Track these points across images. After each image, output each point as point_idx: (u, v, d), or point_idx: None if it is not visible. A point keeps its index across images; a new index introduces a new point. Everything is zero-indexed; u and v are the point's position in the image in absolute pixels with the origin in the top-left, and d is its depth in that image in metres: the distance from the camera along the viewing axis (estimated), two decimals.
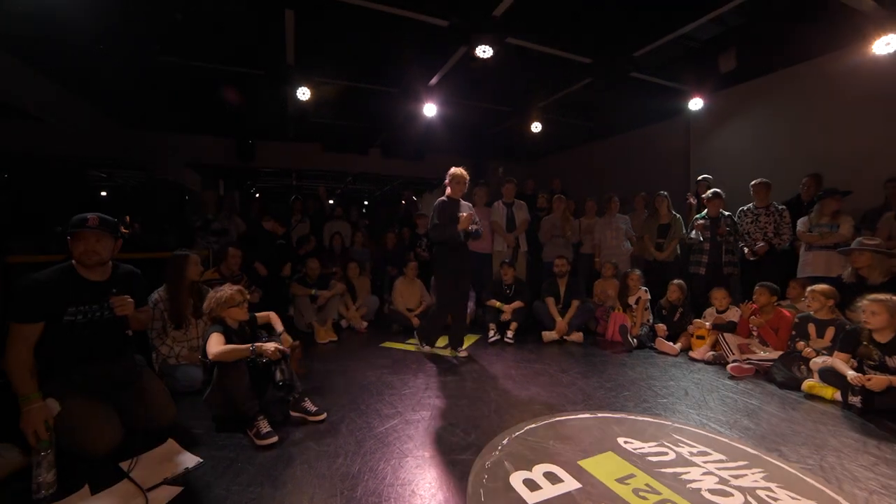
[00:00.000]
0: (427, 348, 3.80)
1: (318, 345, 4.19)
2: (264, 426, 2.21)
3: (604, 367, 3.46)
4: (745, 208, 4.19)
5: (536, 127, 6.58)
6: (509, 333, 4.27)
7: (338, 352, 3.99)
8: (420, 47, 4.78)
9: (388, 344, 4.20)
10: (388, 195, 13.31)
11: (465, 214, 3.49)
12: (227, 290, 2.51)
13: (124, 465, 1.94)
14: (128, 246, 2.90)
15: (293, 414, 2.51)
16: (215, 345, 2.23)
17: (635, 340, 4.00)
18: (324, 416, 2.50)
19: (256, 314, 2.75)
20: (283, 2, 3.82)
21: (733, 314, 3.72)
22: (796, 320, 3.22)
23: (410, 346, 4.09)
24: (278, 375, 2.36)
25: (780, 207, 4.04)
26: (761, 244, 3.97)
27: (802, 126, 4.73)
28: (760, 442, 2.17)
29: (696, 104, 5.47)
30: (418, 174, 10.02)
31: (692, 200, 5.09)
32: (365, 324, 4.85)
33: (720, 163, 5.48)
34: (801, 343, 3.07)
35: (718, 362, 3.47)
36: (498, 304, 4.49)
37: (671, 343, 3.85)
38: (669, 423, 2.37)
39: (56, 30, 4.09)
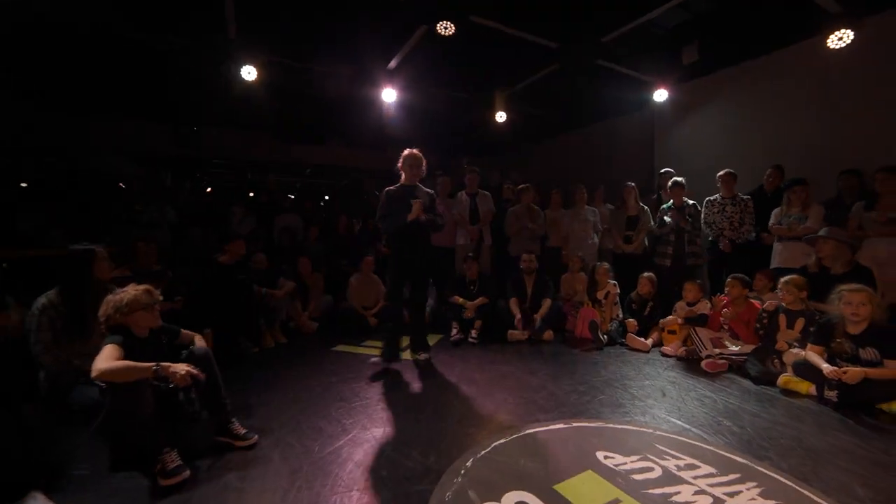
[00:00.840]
0: (377, 359, 3.20)
1: (262, 350, 3.72)
2: (171, 461, 1.77)
3: (574, 367, 3.23)
4: (712, 199, 4.11)
5: (501, 116, 6.33)
6: (473, 333, 3.98)
7: (283, 358, 3.54)
8: (378, 25, 4.38)
9: (340, 347, 3.79)
10: (350, 188, 12.74)
11: (416, 202, 3.07)
12: (132, 290, 2.04)
13: None
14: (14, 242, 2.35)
15: (219, 439, 2.09)
16: (104, 359, 1.76)
17: (606, 337, 3.81)
18: (254, 439, 2.09)
19: (182, 331, 2.28)
20: None
21: (703, 307, 3.60)
22: (764, 316, 3.13)
23: (366, 349, 3.71)
24: (186, 406, 1.92)
25: (744, 198, 3.98)
26: (725, 242, 3.90)
27: (763, 118, 4.73)
28: (747, 448, 1.97)
29: (660, 95, 5.39)
30: (381, 165, 9.55)
31: (654, 196, 5.02)
32: (315, 325, 4.40)
33: (685, 155, 5.44)
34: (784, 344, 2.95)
35: (691, 357, 3.33)
36: (461, 300, 4.18)
37: (642, 339, 3.69)
38: (650, 430, 2.14)
39: None
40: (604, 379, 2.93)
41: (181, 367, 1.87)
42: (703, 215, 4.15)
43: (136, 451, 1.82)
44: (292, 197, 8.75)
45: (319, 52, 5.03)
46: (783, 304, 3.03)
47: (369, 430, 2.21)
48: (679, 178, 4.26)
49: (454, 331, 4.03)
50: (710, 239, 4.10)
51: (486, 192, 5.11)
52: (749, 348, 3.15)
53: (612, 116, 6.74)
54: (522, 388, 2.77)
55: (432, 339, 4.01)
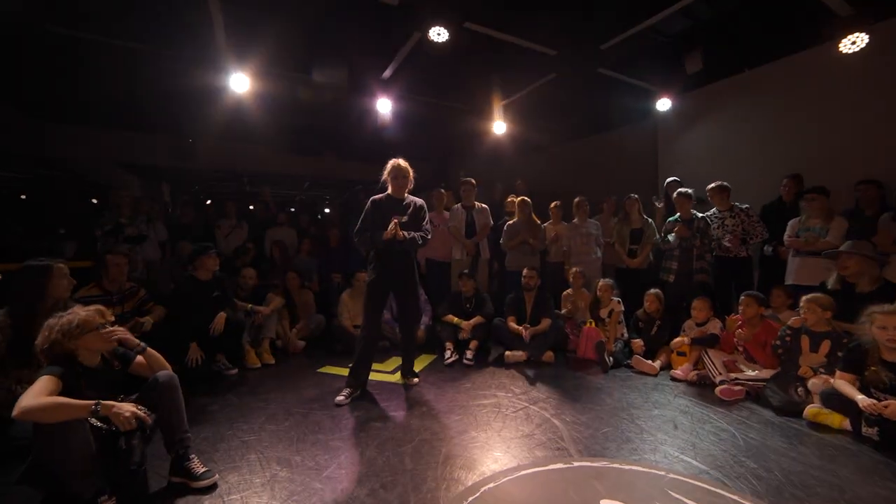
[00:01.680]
0: (346, 396, 2.79)
1: (245, 370, 3.48)
2: None
3: (577, 393, 2.97)
4: (709, 214, 3.92)
5: (500, 127, 6.19)
6: (468, 354, 3.72)
7: (265, 380, 3.30)
8: (370, 32, 4.26)
9: (326, 369, 3.55)
10: (349, 202, 12.62)
11: (393, 220, 2.79)
12: (80, 310, 1.82)
13: None
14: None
15: (173, 479, 1.85)
16: (33, 395, 1.51)
17: (611, 359, 3.55)
18: (213, 479, 1.84)
19: (139, 357, 1.99)
20: None
21: (714, 326, 3.34)
22: (787, 333, 2.85)
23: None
24: (126, 456, 1.67)
25: (743, 207, 3.78)
26: (728, 237, 3.68)
27: (773, 127, 4.53)
28: (778, 497, 1.71)
29: (663, 105, 5.22)
30: (378, 178, 9.43)
31: (658, 204, 4.79)
32: (302, 344, 4.15)
33: (689, 166, 5.24)
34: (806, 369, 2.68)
35: (704, 382, 3.06)
36: (455, 319, 3.94)
37: (650, 361, 3.42)
38: (662, 472, 1.88)
39: None
40: (609, 408, 2.67)
41: (126, 408, 1.62)
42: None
43: (68, 500, 1.58)
44: (293, 210, 8.62)
45: (313, 62, 4.91)
46: (805, 324, 2.77)
47: (344, 468, 1.96)
48: (686, 189, 4.05)
49: (448, 352, 3.78)
50: (715, 254, 3.87)
51: (484, 205, 4.92)
52: (768, 373, 2.88)
53: (613, 126, 6.58)
54: (519, 419, 2.52)
55: (426, 360, 3.78)
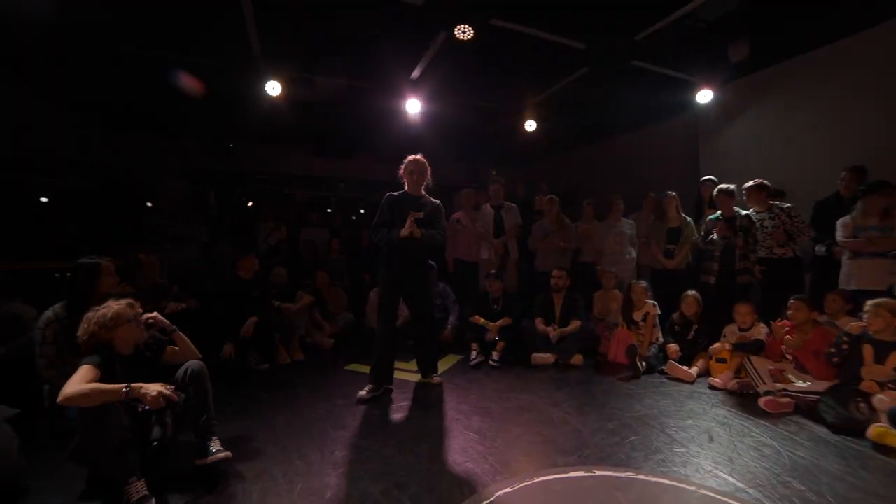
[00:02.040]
0: (367, 392, 2.82)
1: (275, 367, 3.61)
2: (136, 491, 1.63)
3: (605, 398, 2.85)
4: (746, 213, 3.64)
5: (531, 125, 6.07)
6: (494, 355, 3.67)
7: (293, 376, 3.40)
8: (396, 34, 4.29)
9: (353, 367, 3.61)
10: (380, 202, 12.80)
11: (410, 216, 2.79)
12: (113, 304, 1.95)
13: None
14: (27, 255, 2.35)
15: (199, 463, 1.94)
16: (75, 383, 1.65)
17: (644, 364, 3.38)
18: (223, 455, 1.89)
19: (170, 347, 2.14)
20: None
21: (759, 332, 3.10)
22: (844, 340, 2.59)
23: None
24: (155, 432, 1.78)
25: (784, 206, 3.49)
26: (773, 231, 3.43)
27: (826, 117, 4.15)
28: None
29: (704, 97, 4.92)
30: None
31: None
32: (331, 342, 4.25)
33: (733, 161, 4.90)
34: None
35: (745, 392, 2.84)
36: (482, 321, 3.89)
37: (686, 367, 3.23)
38: (692, 488, 1.75)
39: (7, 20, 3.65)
40: (638, 415, 2.54)
41: (153, 388, 1.73)
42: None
43: (106, 479, 1.70)
44: (329, 210, 8.87)
45: (342, 64, 5.02)
46: (869, 331, 2.51)
47: (362, 464, 1.98)
48: (728, 186, 3.78)
49: (474, 353, 3.74)
50: (760, 255, 3.59)
51: (513, 205, 4.84)
52: (822, 385, 2.63)
53: (650, 121, 6.28)
54: (542, 423, 2.45)
55: (452, 360, 3.77)
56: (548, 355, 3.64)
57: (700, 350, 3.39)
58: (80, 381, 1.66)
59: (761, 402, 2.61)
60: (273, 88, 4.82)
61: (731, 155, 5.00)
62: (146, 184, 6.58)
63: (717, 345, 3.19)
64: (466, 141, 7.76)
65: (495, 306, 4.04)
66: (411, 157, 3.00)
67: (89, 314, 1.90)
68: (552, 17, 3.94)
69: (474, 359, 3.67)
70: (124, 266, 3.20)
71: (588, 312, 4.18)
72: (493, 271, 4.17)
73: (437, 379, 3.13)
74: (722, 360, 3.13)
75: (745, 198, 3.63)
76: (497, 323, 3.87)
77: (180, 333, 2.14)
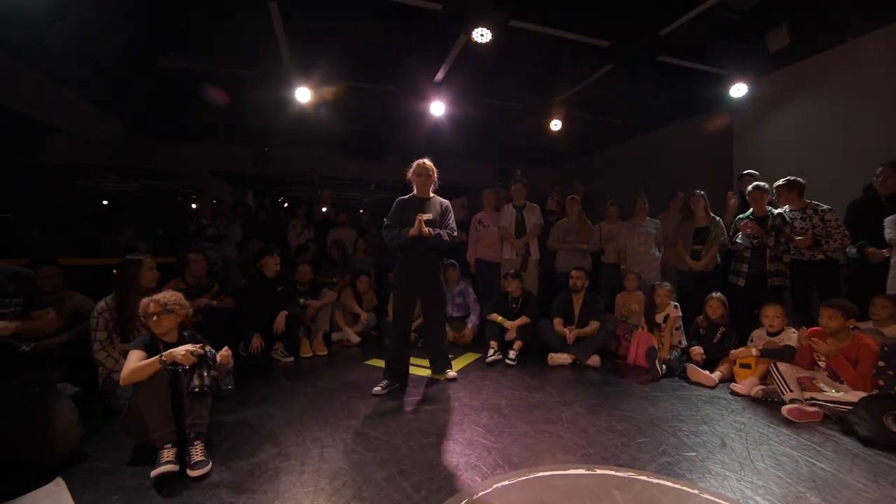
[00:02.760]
0: (382, 387, 2.93)
1: (299, 360, 3.80)
2: (166, 458, 1.85)
3: (618, 400, 2.82)
4: (783, 211, 3.45)
5: (556, 125, 6.02)
6: (511, 353, 3.69)
7: (314, 368, 3.58)
8: (418, 38, 4.41)
9: (373, 361, 3.74)
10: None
11: (419, 217, 2.87)
12: (162, 296, 2.18)
13: None
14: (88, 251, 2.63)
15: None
16: (127, 365, 1.94)
17: (664, 367, 3.30)
18: (206, 469, 1.89)
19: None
20: None
21: (789, 337, 2.95)
22: (885, 348, 2.44)
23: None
24: (195, 381, 1.99)
25: (821, 209, 3.29)
26: (800, 238, 3.24)
27: (874, 109, 3.87)
28: None
29: (738, 91, 4.71)
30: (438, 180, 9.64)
31: (733, 201, 4.31)
32: (357, 339, 4.39)
33: (770, 157, 4.66)
34: None
35: (770, 399, 2.72)
36: (500, 319, 3.92)
37: (707, 372, 3.13)
38: (695, 491, 1.73)
39: (68, 40, 4.09)
40: (650, 417, 2.50)
41: (181, 349, 1.99)
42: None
43: (147, 447, 1.95)
44: (361, 211, 9.14)
45: (367, 69, 5.19)
46: None
47: (371, 452, 2.08)
48: (761, 183, 3.61)
49: (491, 350, 3.78)
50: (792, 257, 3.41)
51: (535, 205, 4.83)
52: (856, 396, 2.48)
53: (679, 118, 6.07)
54: (549, 421, 2.46)
55: (470, 358, 3.83)
56: (565, 355, 3.63)
57: (725, 354, 3.27)
58: (130, 363, 1.93)
59: (785, 410, 2.50)
60: (303, 95, 5.06)
61: (768, 151, 4.76)
62: (189, 186, 7.06)
63: (740, 349, 3.06)
64: (491, 142, 7.78)
65: (514, 305, 4.06)
66: (418, 160, 3.08)
67: (145, 299, 2.15)
68: (573, 16, 3.91)
69: (491, 356, 3.71)
70: (176, 263, 3.51)
71: (610, 313, 4.12)
72: (511, 271, 4.19)
73: (451, 374, 3.20)
74: (746, 366, 3.01)
75: (775, 196, 3.46)
76: (515, 322, 3.89)
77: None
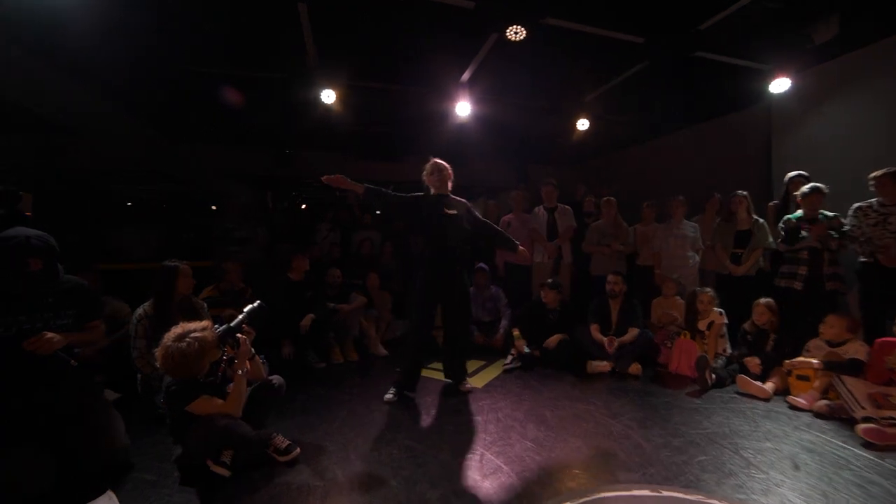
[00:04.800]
0: (393, 395, 2.90)
1: (330, 365, 3.75)
2: (226, 455, 1.89)
3: (669, 412, 2.69)
4: (864, 205, 3.19)
5: (583, 124, 5.87)
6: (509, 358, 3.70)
7: (347, 375, 3.53)
8: (447, 38, 4.32)
9: None
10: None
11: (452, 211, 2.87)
12: (189, 331, 1.93)
13: None
14: (116, 256, 2.61)
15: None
16: (219, 407, 1.95)
17: (713, 377, 3.14)
18: (295, 452, 2.08)
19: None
20: None
21: (856, 349, 2.77)
22: None
23: (430, 371, 3.52)
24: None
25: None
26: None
27: None
28: None
29: (780, 86, 4.49)
30: (457, 181, 9.54)
31: (773, 203, 4.13)
32: (384, 352, 4.23)
33: (813, 156, 4.41)
34: None
35: (837, 416, 2.55)
36: (517, 333, 3.80)
37: (759, 383, 2.96)
38: None
39: (94, 42, 4.11)
40: (706, 433, 2.37)
41: (243, 352, 2.05)
42: (848, 227, 3.26)
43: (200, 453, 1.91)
44: (369, 216, 9.09)
45: (392, 70, 5.13)
46: None
47: (419, 467, 2.00)
48: (818, 185, 3.39)
49: (510, 357, 3.71)
50: (861, 260, 3.20)
51: (567, 207, 4.71)
52: None
53: (715, 116, 5.86)
54: (601, 435, 2.35)
55: (501, 366, 3.72)
56: (604, 363, 3.50)
57: (778, 364, 3.10)
58: (215, 406, 1.94)
59: (861, 430, 2.30)
60: (328, 97, 5.02)
61: (811, 150, 4.53)
62: (212, 190, 7.09)
63: (798, 359, 2.89)
64: (516, 142, 7.66)
65: (551, 317, 3.93)
66: (430, 161, 3.07)
67: (171, 342, 1.89)
68: (607, 12, 3.78)
69: (508, 363, 3.65)
70: (212, 271, 3.50)
71: (645, 319, 3.98)
72: (549, 280, 4.05)
73: (467, 386, 3.10)
74: (804, 378, 2.84)
75: (872, 186, 3.19)
76: (552, 339, 3.77)
77: (257, 359, 2.24)
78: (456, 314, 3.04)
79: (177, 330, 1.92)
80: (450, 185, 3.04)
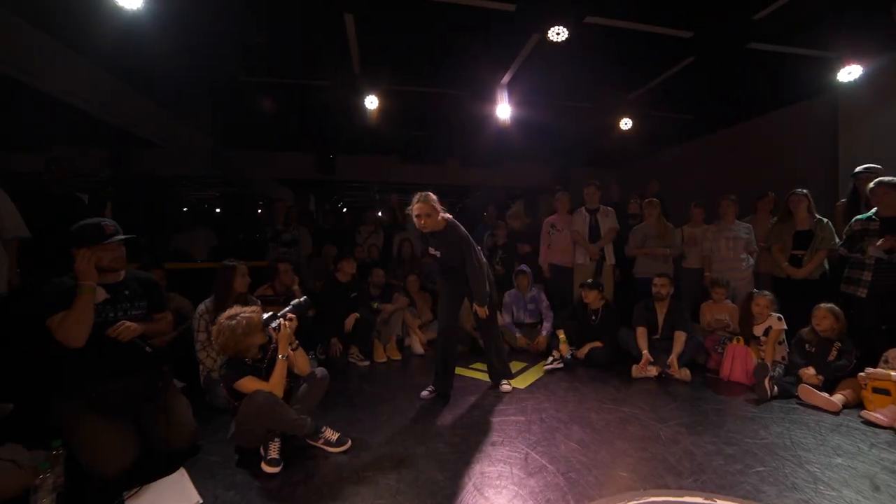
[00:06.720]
0: (430, 392, 3.02)
1: (375, 364, 3.87)
2: (273, 450, 2.00)
3: (720, 419, 2.58)
4: None
5: (626, 124, 5.72)
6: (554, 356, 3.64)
7: (392, 374, 3.64)
8: (488, 40, 4.35)
9: None
10: (470, 207, 12.99)
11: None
12: (240, 312, 2.11)
13: (128, 495, 1.76)
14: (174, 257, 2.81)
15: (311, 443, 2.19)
16: (265, 388, 2.04)
17: (776, 388, 2.95)
18: (347, 444, 2.18)
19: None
20: (341, 4, 3.69)
21: None
22: None
23: (473, 372, 3.56)
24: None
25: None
26: None
27: None
28: None
29: (848, 74, 4.17)
30: (497, 183, 9.53)
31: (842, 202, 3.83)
32: (421, 350, 4.29)
33: (886, 152, 4.07)
34: None
35: None
36: (562, 336, 3.75)
37: (826, 394, 2.77)
38: None
39: (161, 62, 4.50)
40: (764, 443, 2.25)
41: (284, 329, 2.14)
42: None
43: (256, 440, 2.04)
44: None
45: (434, 74, 5.22)
46: None
47: (464, 465, 2.04)
48: (890, 178, 3.10)
49: (551, 358, 3.67)
50: None
51: (609, 208, 4.62)
52: None
53: (772, 109, 5.52)
54: (648, 439, 2.30)
55: (540, 371, 3.68)
56: (651, 368, 3.40)
57: (845, 375, 2.89)
58: (259, 384, 2.05)
59: None
60: (371, 102, 5.18)
61: (885, 142, 4.17)
62: (261, 194, 7.48)
63: (876, 370, 2.67)
64: (556, 143, 7.56)
65: (593, 318, 3.87)
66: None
67: (223, 321, 2.07)
68: (653, 7, 3.68)
69: (550, 363, 3.61)
70: (267, 271, 3.74)
71: (695, 323, 3.81)
72: (590, 280, 3.99)
73: (505, 387, 3.11)
74: (883, 391, 2.60)
75: (870, 195, 3.00)
76: (589, 345, 3.74)
77: (300, 351, 2.32)
78: (486, 321, 3.09)
79: (230, 311, 2.13)
80: (440, 217, 2.89)
